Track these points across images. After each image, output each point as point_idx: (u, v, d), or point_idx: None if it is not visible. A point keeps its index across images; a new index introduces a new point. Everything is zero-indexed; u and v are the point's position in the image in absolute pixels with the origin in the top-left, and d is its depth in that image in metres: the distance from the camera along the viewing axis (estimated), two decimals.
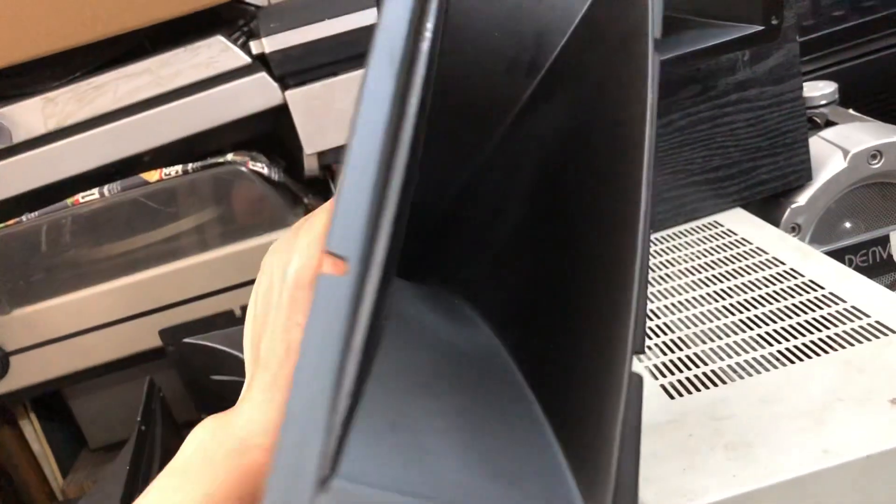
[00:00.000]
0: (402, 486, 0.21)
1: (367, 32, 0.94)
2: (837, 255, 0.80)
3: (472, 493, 0.22)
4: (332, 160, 0.98)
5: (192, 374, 0.88)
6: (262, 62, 0.94)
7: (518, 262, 0.33)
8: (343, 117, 0.95)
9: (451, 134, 0.34)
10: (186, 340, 0.88)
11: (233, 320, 0.88)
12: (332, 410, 0.21)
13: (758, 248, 0.70)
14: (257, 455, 0.31)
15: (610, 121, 0.29)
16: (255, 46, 0.94)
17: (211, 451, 0.31)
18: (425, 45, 0.25)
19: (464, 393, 0.27)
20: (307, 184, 1.05)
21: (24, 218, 0.94)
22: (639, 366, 0.57)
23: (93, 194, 0.94)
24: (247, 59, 0.94)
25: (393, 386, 0.25)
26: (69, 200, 0.94)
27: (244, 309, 0.90)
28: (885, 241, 0.80)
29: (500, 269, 0.34)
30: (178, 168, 0.95)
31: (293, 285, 0.31)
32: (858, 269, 0.81)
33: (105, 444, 1.09)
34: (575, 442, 0.25)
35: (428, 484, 0.22)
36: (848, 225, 0.83)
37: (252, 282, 1.06)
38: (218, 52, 0.93)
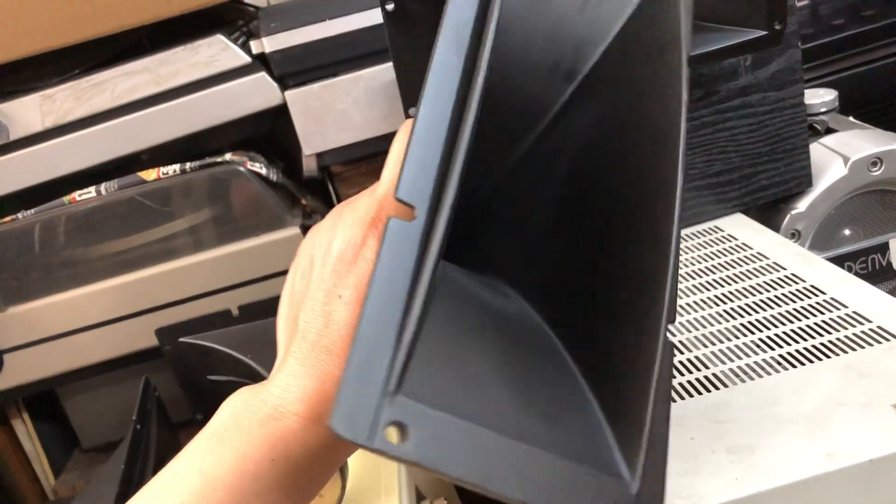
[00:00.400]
0: (458, 410, 0.23)
1: (367, 34, 0.94)
2: (837, 262, 0.80)
3: (519, 424, 0.24)
4: (330, 161, 0.98)
5: (189, 374, 0.87)
6: (262, 62, 0.94)
7: (553, 247, 0.35)
8: (342, 118, 0.94)
9: (491, 131, 0.37)
10: (183, 340, 0.87)
11: (230, 320, 0.88)
12: (399, 333, 0.23)
13: (758, 253, 0.70)
14: (292, 422, 0.31)
15: (646, 120, 0.31)
16: (255, 46, 0.93)
17: (245, 416, 0.32)
18: (494, 15, 0.28)
19: (506, 345, 0.29)
20: (305, 185, 1.04)
21: (20, 215, 0.94)
22: None
23: (90, 192, 0.93)
24: (247, 59, 0.94)
25: (446, 326, 0.27)
26: (66, 198, 0.93)
27: (241, 309, 0.89)
28: (884, 248, 0.80)
29: (535, 254, 0.36)
30: (176, 167, 0.94)
31: (336, 260, 0.32)
32: (858, 276, 0.80)
33: (98, 445, 1.08)
34: (610, 398, 0.27)
35: (481, 412, 0.23)
36: (847, 232, 0.83)
37: (250, 282, 1.05)
38: (218, 52, 0.93)
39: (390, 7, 0.62)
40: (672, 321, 0.25)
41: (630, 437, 0.24)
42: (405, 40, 0.65)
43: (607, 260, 0.31)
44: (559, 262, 0.35)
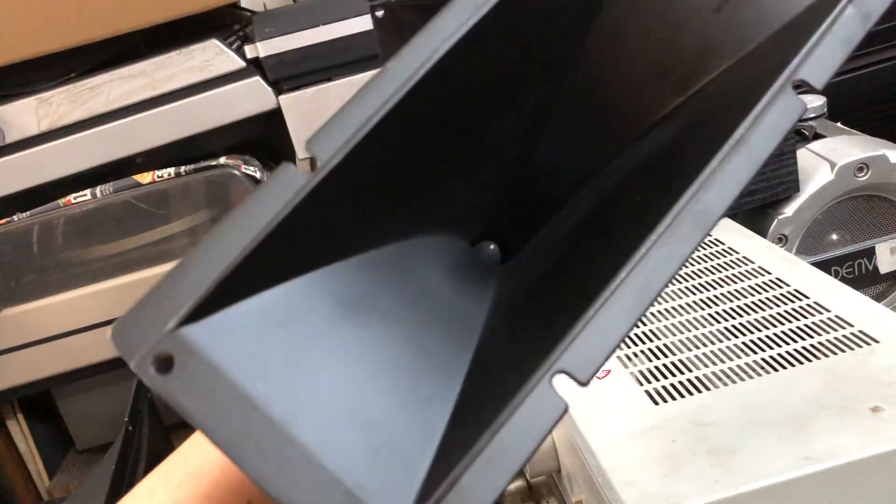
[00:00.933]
0: (245, 377, 0.21)
1: (361, 38, 0.94)
2: (824, 266, 0.81)
3: (316, 421, 0.22)
4: None
5: None
6: (256, 66, 0.95)
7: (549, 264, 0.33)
8: None
9: (585, 129, 0.33)
10: None
11: None
12: (221, 272, 0.21)
13: (744, 257, 0.70)
14: None
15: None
16: (249, 51, 0.94)
17: None
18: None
19: (401, 338, 0.27)
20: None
21: (15, 217, 0.94)
22: (620, 374, 0.57)
23: (85, 195, 0.94)
24: (241, 64, 0.94)
25: (318, 303, 0.25)
26: (61, 201, 0.94)
27: None
28: (870, 252, 0.81)
29: (539, 263, 0.34)
30: (171, 170, 0.95)
31: None
32: (844, 280, 0.81)
33: (92, 446, 1.09)
34: (461, 431, 0.24)
35: (276, 396, 0.21)
36: (835, 237, 0.84)
37: None
38: (212, 56, 0.94)
39: (380, 14, 0.63)
40: (580, 381, 0.21)
41: (434, 486, 0.21)
42: (396, 47, 0.65)
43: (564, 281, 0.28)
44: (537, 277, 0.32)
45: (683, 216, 0.23)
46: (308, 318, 0.25)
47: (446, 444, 0.23)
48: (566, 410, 0.21)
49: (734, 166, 0.24)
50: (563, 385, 0.22)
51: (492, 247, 0.36)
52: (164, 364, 0.21)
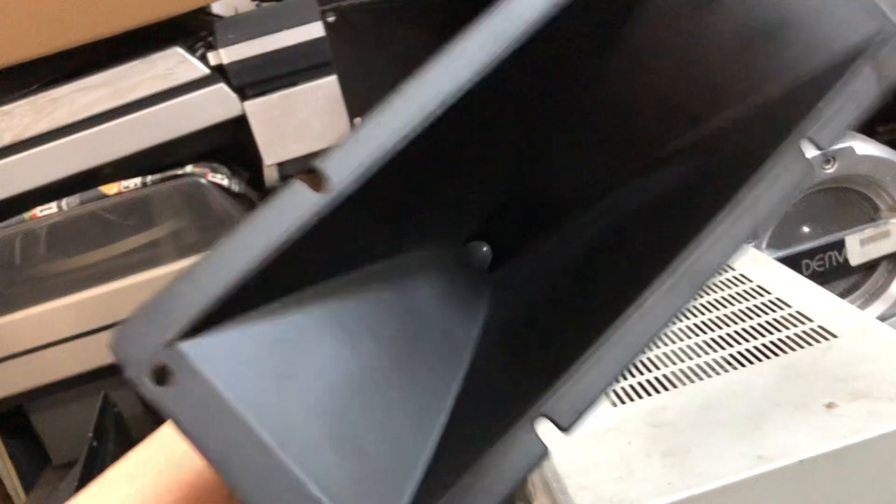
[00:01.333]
0: (239, 397, 0.21)
1: (326, 43, 0.94)
2: (795, 259, 0.81)
3: (305, 444, 0.22)
4: (292, 171, 0.98)
5: None
6: (220, 73, 0.94)
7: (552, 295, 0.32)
8: (302, 128, 0.94)
9: (591, 150, 0.34)
10: None
11: None
12: (224, 287, 0.21)
13: None
14: None
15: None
16: (212, 58, 0.93)
17: None
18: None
19: (393, 361, 0.27)
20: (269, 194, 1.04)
21: None
22: None
23: (51, 208, 0.93)
24: (205, 71, 0.94)
25: (312, 322, 0.25)
26: (26, 214, 0.93)
27: None
28: (840, 245, 0.81)
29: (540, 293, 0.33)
30: (137, 181, 0.94)
31: None
32: (815, 273, 0.81)
33: (69, 460, 1.08)
34: (445, 462, 0.24)
35: (267, 416, 0.22)
36: (806, 229, 0.84)
37: None
38: (175, 64, 0.93)
39: (331, 19, 0.62)
40: (561, 427, 0.22)
41: None
42: (349, 51, 0.65)
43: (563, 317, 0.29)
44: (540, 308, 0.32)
45: (681, 275, 0.24)
46: (304, 338, 0.25)
47: (430, 476, 0.24)
48: (545, 454, 0.22)
49: (736, 229, 0.24)
50: (545, 429, 0.23)
51: (484, 248, 0.36)
52: (162, 376, 0.21)
